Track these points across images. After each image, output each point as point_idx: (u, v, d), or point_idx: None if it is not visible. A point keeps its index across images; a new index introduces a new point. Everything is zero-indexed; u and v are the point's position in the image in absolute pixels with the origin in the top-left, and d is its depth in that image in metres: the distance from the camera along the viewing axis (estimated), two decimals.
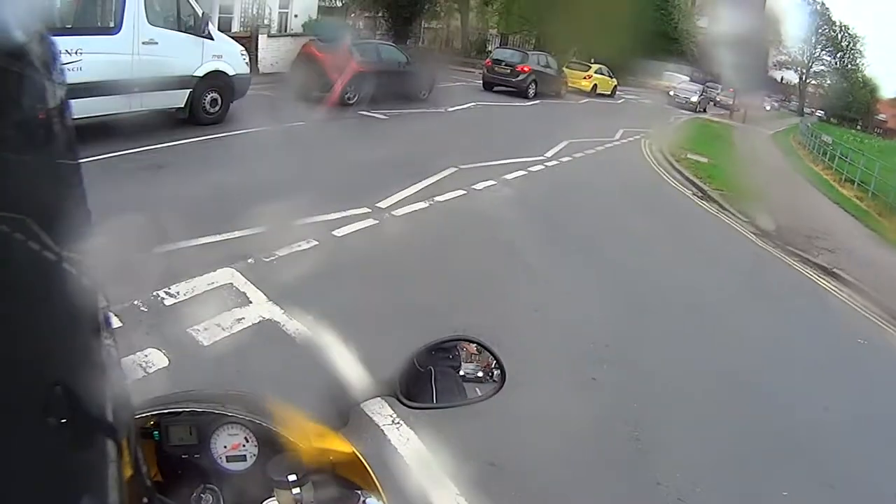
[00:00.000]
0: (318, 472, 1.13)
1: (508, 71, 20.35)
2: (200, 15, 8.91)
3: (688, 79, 32.18)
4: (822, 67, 46.88)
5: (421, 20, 28.73)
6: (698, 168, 13.78)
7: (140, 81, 7.86)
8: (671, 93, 29.87)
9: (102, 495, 0.59)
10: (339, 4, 24.81)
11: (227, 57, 9.43)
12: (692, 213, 10.70)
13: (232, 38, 10.66)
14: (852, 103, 45.39)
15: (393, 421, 3.36)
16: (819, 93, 47.40)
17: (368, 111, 12.89)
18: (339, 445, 1.22)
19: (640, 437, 3.79)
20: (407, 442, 3.26)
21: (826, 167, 21.05)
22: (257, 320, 4.21)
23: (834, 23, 46.05)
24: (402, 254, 5.95)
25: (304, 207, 5.95)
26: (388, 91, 13.74)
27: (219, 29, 10.41)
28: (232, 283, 4.61)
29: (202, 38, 8.92)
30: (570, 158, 12.14)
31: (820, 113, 44.61)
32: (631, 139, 16.52)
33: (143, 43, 7.95)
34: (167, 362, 3.53)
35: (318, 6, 22.73)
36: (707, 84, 34.45)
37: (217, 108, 9.42)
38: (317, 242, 5.62)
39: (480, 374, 1.36)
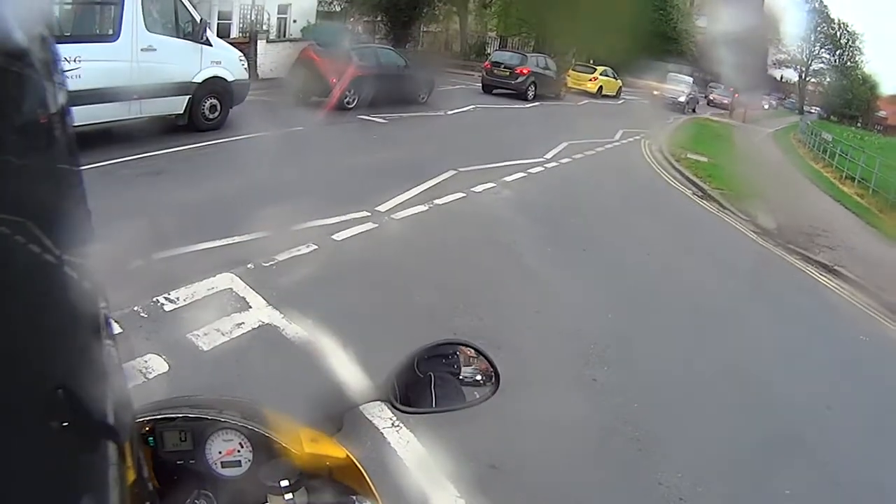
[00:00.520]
0: (312, 477, 1.14)
1: (507, 73, 20.38)
2: (199, 21, 8.94)
3: (677, 78, 30.21)
4: (822, 65, 46.91)
5: (419, 24, 28.80)
6: (698, 167, 13.77)
7: (139, 88, 7.89)
8: (655, 93, 28.01)
9: (104, 499, 0.59)
10: (338, 9, 24.90)
11: (226, 63, 9.44)
12: (693, 213, 10.69)
13: (230, 43, 10.73)
14: (852, 100, 45.38)
15: (393, 424, 3.36)
16: (819, 91, 47.40)
17: (368, 115, 12.91)
18: (334, 450, 1.22)
19: (641, 437, 3.79)
20: (407, 444, 3.26)
21: (826, 165, 21.03)
22: (257, 325, 4.21)
23: (832, 20, 46.08)
24: (402, 257, 5.95)
25: (304, 212, 5.97)
26: (387, 95, 13.75)
27: (217, 35, 10.46)
28: (231, 288, 4.62)
29: (201, 45, 8.94)
30: (569, 160, 12.14)
31: (815, 110, 44.56)
32: (631, 140, 16.53)
33: (142, 50, 7.97)
34: (167, 367, 3.53)
35: (317, 11, 22.85)
36: (709, 83, 34.44)
37: (216, 113, 9.43)
38: (316, 247, 5.62)
39: (479, 377, 1.35)
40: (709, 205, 11.14)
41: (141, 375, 3.41)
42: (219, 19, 18.32)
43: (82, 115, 6.88)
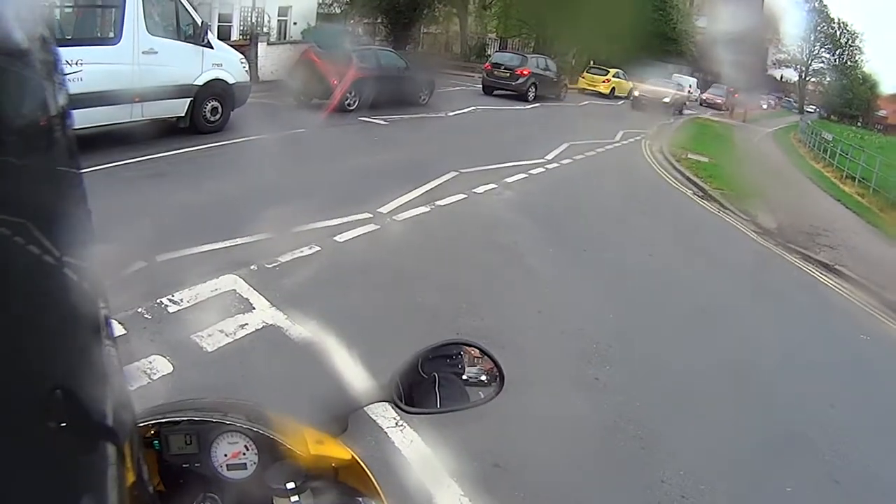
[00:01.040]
0: (317, 479, 1.14)
1: (508, 74, 20.43)
2: (200, 24, 8.97)
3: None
4: (822, 65, 46.95)
5: (420, 25, 28.82)
6: (699, 168, 13.79)
7: (140, 91, 7.91)
8: (636, 93, 25.38)
9: (102, 500, 0.58)
10: (338, 11, 24.93)
11: (227, 65, 9.47)
12: (693, 213, 10.71)
13: (231, 46, 10.73)
14: (852, 100, 45.40)
15: (396, 423, 3.37)
16: (819, 90, 47.42)
17: (368, 117, 12.94)
18: (339, 451, 1.23)
19: (644, 435, 3.80)
20: (410, 444, 3.28)
21: (827, 164, 21.05)
22: (260, 326, 4.23)
23: (832, 20, 46.13)
24: (404, 258, 5.97)
25: (306, 213, 5.99)
26: (387, 96, 13.80)
27: (218, 37, 10.46)
28: (235, 290, 4.63)
29: (202, 47, 8.97)
30: (570, 161, 12.16)
31: (815, 109, 44.56)
32: (632, 140, 16.54)
33: (143, 52, 8.00)
34: (171, 368, 3.55)
35: (317, 13, 22.88)
36: (711, 83, 34.33)
37: (217, 116, 9.46)
38: (319, 248, 5.64)
39: (484, 377, 1.35)
40: (710, 205, 11.16)
41: (145, 376, 3.43)
42: (219, 22, 18.35)
43: (84, 118, 6.91)
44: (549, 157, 12.03)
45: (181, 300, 4.36)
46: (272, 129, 9.51)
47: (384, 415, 3.37)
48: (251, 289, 4.67)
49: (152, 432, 1.14)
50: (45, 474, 0.50)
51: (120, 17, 7.76)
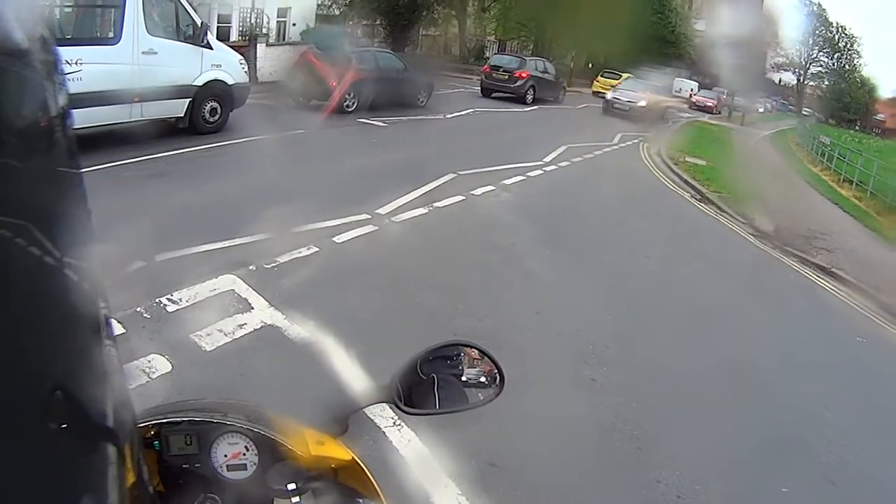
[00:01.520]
0: (318, 480, 1.14)
1: (506, 77, 20.45)
2: (199, 25, 8.98)
3: (636, 78, 24.38)
4: (820, 69, 47.07)
5: (419, 27, 28.83)
6: (696, 171, 13.82)
7: (140, 91, 7.92)
8: (608, 96, 22.28)
9: (102, 500, 0.58)
10: (337, 12, 24.94)
11: (226, 66, 9.49)
12: (691, 216, 10.73)
13: (230, 47, 10.74)
14: (850, 104, 45.49)
15: (394, 423, 3.39)
16: (817, 94, 47.53)
17: (367, 118, 12.96)
18: (339, 452, 1.23)
19: (640, 436, 3.82)
20: (408, 443, 3.29)
21: (824, 168, 21.09)
22: (259, 326, 4.24)
23: (831, 24, 46.25)
24: (403, 259, 5.98)
25: (305, 214, 6.00)
26: (386, 98, 13.82)
27: (217, 38, 10.47)
28: (234, 290, 4.64)
29: (201, 48, 8.98)
30: (568, 163, 12.18)
31: (812, 112, 44.62)
32: (629, 143, 16.57)
33: (143, 53, 8.01)
34: (170, 367, 3.56)
35: (316, 14, 22.88)
36: (711, 86, 34.23)
37: (216, 116, 9.48)
38: (317, 249, 5.65)
39: (483, 379, 1.35)
40: (707, 208, 11.18)
41: (144, 375, 3.44)
42: (218, 22, 18.35)
43: (83, 118, 6.92)
44: (547, 159, 12.06)
45: (180, 300, 4.37)
46: (271, 129, 9.51)
47: (382, 414, 3.38)
48: (250, 289, 4.68)
49: (152, 433, 1.14)
50: (46, 475, 0.50)
51: (120, 17, 7.77)
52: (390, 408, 1.33)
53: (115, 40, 7.73)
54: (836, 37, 46.29)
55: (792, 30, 47.47)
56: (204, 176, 7.59)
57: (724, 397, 4.55)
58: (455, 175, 9.14)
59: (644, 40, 26.28)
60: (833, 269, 8.66)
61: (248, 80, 10.31)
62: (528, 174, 10.45)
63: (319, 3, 23.88)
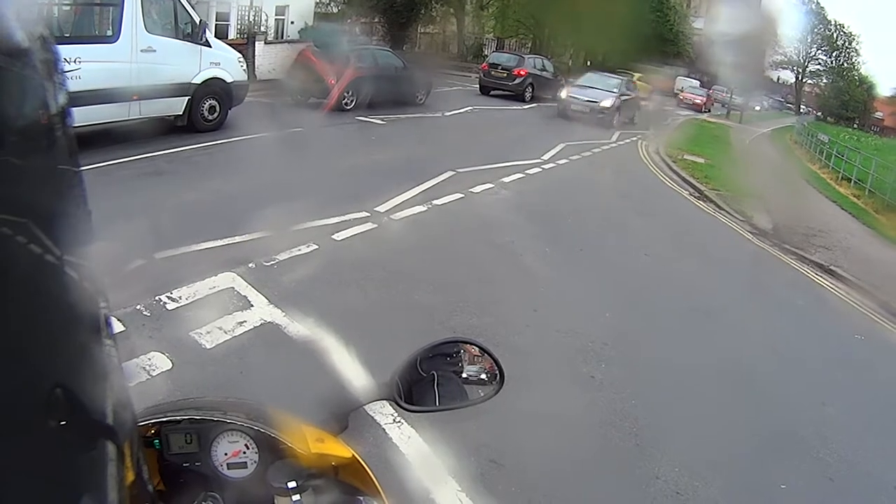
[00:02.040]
0: (318, 478, 1.14)
1: (505, 75, 20.44)
2: (198, 22, 8.98)
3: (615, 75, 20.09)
4: (818, 67, 47.08)
5: (417, 25, 28.84)
6: (695, 168, 13.83)
7: (138, 89, 7.92)
8: (564, 94, 18.46)
9: (101, 498, 0.58)
10: (336, 10, 24.93)
11: (225, 64, 9.48)
12: (689, 213, 10.74)
13: (229, 45, 10.74)
14: (849, 102, 45.52)
15: (394, 419, 3.40)
16: (816, 92, 47.55)
17: (366, 116, 12.95)
18: (340, 450, 1.23)
19: (639, 432, 3.83)
20: (408, 440, 3.30)
21: (823, 166, 21.11)
22: (259, 323, 4.25)
23: (829, 22, 46.26)
24: (402, 256, 5.99)
25: (304, 212, 6.00)
26: (385, 96, 13.80)
27: (215, 36, 10.47)
28: (233, 287, 4.65)
29: (200, 46, 8.98)
30: (566, 161, 12.19)
31: (811, 110, 44.64)
32: (628, 141, 16.58)
33: (142, 51, 8.01)
34: (170, 365, 3.56)
35: (315, 12, 22.87)
36: (710, 84, 34.12)
37: (215, 114, 9.47)
38: (317, 246, 5.66)
39: (483, 376, 1.35)
40: (705, 205, 11.19)
41: (144, 373, 3.44)
42: (217, 20, 18.34)
43: (82, 116, 6.91)
44: (546, 157, 12.06)
45: (180, 297, 4.37)
46: (270, 127, 9.53)
47: (382, 411, 3.39)
48: (249, 286, 4.69)
49: (152, 431, 1.15)
50: (45, 473, 0.51)
51: (118, 15, 7.78)
52: (390, 405, 1.33)
53: (113, 38, 7.73)
54: (835, 35, 46.31)
55: (790, 28, 47.46)
56: (203, 174, 7.59)
57: (723, 394, 4.57)
58: (454, 173, 9.14)
59: (642, 38, 26.29)
60: (831, 267, 8.67)
61: (246, 78, 10.30)
62: (527, 172, 10.46)
63: (318, 0, 23.88)
